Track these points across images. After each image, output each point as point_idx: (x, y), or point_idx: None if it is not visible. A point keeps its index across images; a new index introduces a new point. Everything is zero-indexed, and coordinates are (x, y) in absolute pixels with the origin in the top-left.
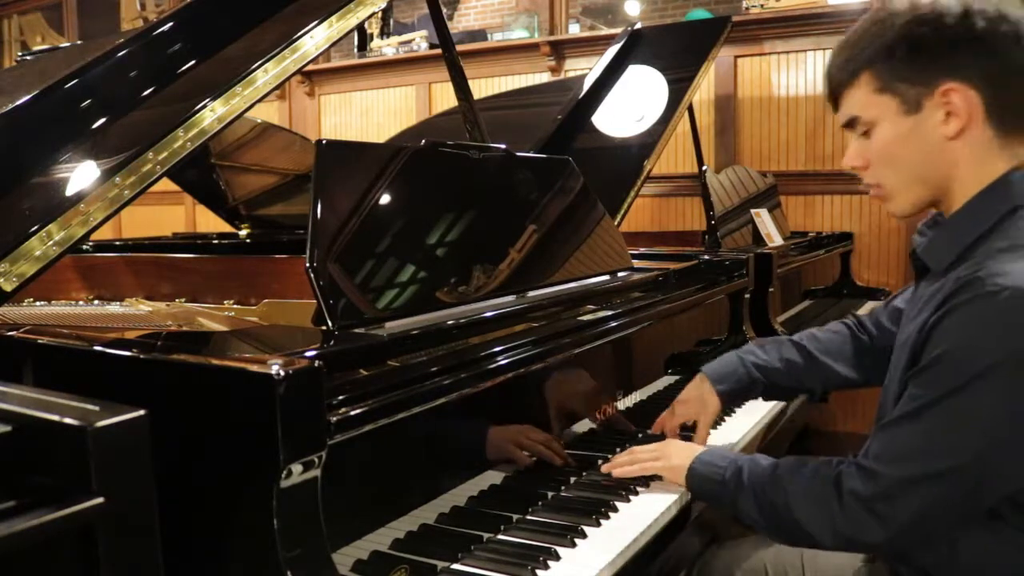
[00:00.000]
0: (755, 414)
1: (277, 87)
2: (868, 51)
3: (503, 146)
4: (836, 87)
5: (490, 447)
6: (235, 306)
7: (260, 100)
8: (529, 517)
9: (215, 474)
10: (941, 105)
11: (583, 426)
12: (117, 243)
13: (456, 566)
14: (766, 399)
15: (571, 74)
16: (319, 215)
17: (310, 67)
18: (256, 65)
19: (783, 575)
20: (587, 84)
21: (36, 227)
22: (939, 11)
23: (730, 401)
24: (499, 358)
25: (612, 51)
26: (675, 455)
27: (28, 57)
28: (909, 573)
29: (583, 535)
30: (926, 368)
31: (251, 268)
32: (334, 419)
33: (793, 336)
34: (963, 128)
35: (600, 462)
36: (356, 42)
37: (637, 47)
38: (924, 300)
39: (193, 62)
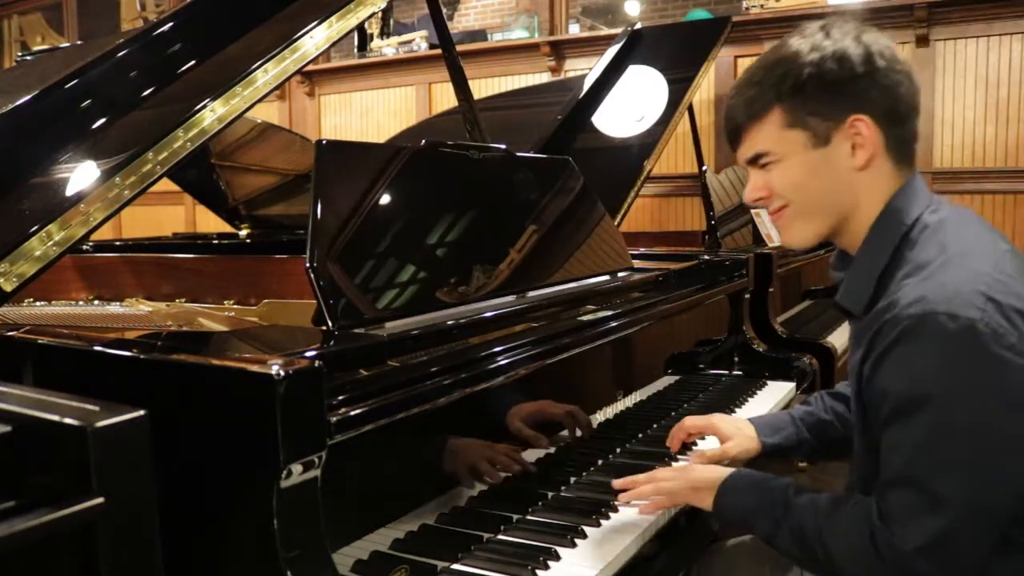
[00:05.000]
0: (763, 406)
1: (277, 87)
2: (776, 89)
3: (503, 146)
4: (742, 123)
5: (490, 447)
6: (235, 306)
7: (260, 100)
8: (529, 517)
9: (215, 474)
10: (849, 137)
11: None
12: (117, 243)
13: (456, 566)
14: (811, 460)
15: (571, 74)
16: (319, 215)
17: (310, 67)
18: (256, 65)
19: (783, 574)
20: (587, 84)
21: (36, 227)
22: (844, 51)
23: (770, 455)
24: (499, 358)
25: (612, 51)
26: (702, 480)
27: (28, 57)
28: None
29: (583, 535)
30: (889, 424)
31: (251, 268)
32: (334, 419)
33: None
34: (870, 159)
35: (600, 462)
36: (356, 42)
37: (637, 47)
38: (856, 337)
39: (193, 62)
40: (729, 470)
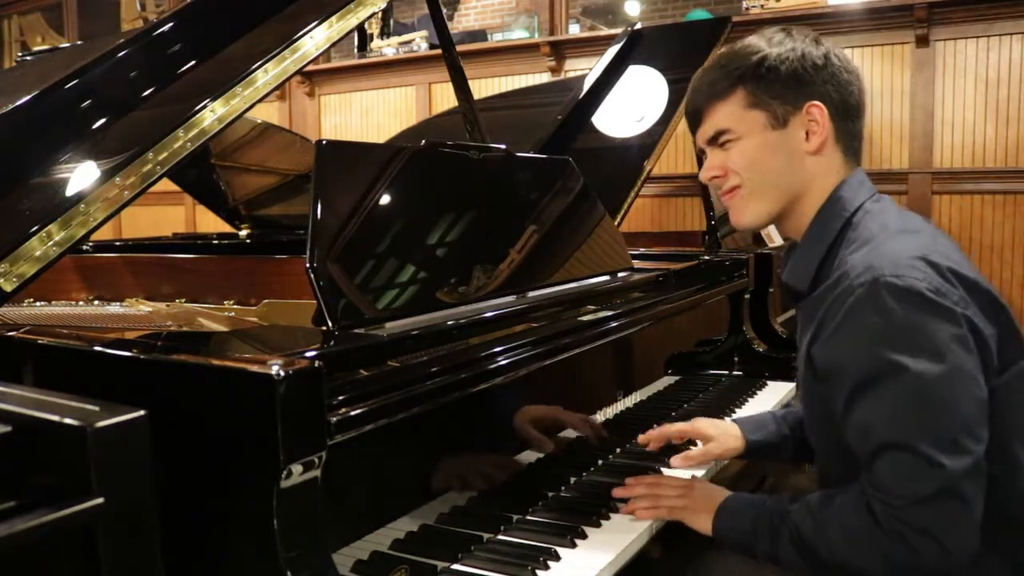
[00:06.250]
0: (763, 406)
1: (277, 87)
2: (742, 70)
3: (503, 146)
4: (703, 103)
5: (490, 447)
6: (235, 306)
7: (260, 100)
8: (529, 517)
9: (215, 474)
10: (805, 123)
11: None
12: (117, 243)
13: (456, 566)
14: (796, 459)
15: (571, 74)
16: (319, 215)
17: (310, 67)
18: (256, 65)
19: (784, 571)
20: (587, 84)
21: (36, 227)
22: (805, 50)
23: (755, 453)
24: (499, 358)
25: (612, 51)
26: (701, 501)
27: (28, 58)
28: None
29: (583, 535)
30: (858, 395)
31: (251, 268)
32: (334, 419)
33: None
34: (822, 144)
35: (600, 462)
36: (356, 42)
37: (637, 47)
38: (804, 318)
39: (193, 62)
40: (727, 492)
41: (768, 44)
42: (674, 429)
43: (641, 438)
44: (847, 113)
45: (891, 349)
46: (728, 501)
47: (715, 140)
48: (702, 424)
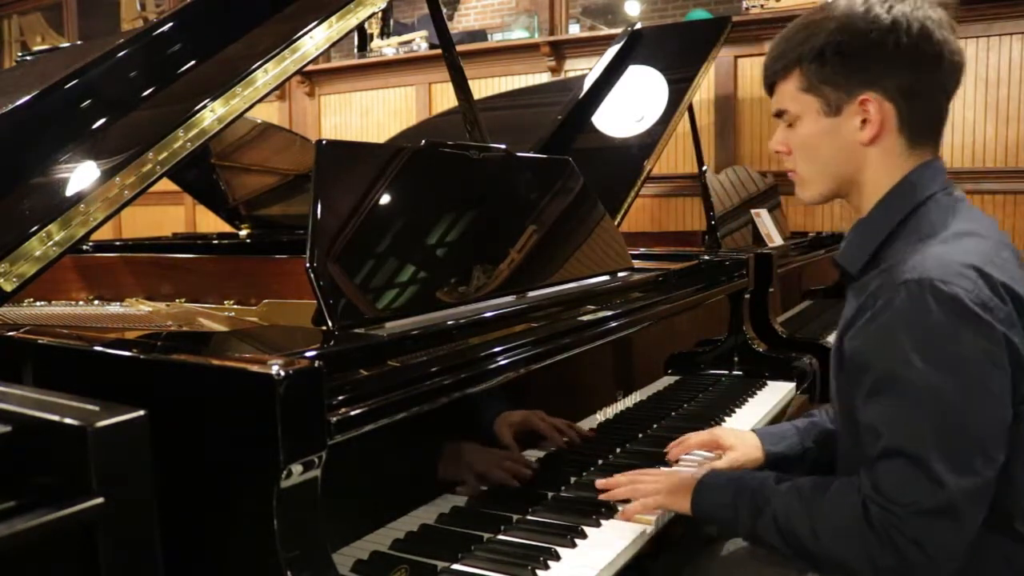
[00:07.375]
0: (763, 406)
1: (277, 87)
2: (799, 51)
3: (503, 146)
4: (770, 78)
5: (490, 447)
6: (235, 306)
7: (260, 100)
8: (529, 517)
9: (215, 474)
10: (858, 112)
11: (583, 426)
12: (117, 243)
13: (456, 566)
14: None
15: (571, 74)
16: (319, 215)
17: (310, 67)
18: (256, 65)
19: (784, 568)
20: (587, 84)
21: (36, 227)
22: (870, 20)
23: (774, 465)
24: (499, 358)
25: (612, 51)
26: (679, 483)
27: (28, 57)
28: None
29: (583, 535)
30: (875, 395)
31: (251, 268)
32: (334, 419)
33: None
34: (876, 136)
35: (600, 462)
36: (356, 42)
37: (637, 47)
38: (852, 295)
39: (193, 62)
40: (704, 472)
41: (838, 14)
42: (695, 440)
43: (668, 458)
44: (915, 96)
45: (919, 353)
46: (707, 477)
47: (779, 115)
48: (722, 433)
